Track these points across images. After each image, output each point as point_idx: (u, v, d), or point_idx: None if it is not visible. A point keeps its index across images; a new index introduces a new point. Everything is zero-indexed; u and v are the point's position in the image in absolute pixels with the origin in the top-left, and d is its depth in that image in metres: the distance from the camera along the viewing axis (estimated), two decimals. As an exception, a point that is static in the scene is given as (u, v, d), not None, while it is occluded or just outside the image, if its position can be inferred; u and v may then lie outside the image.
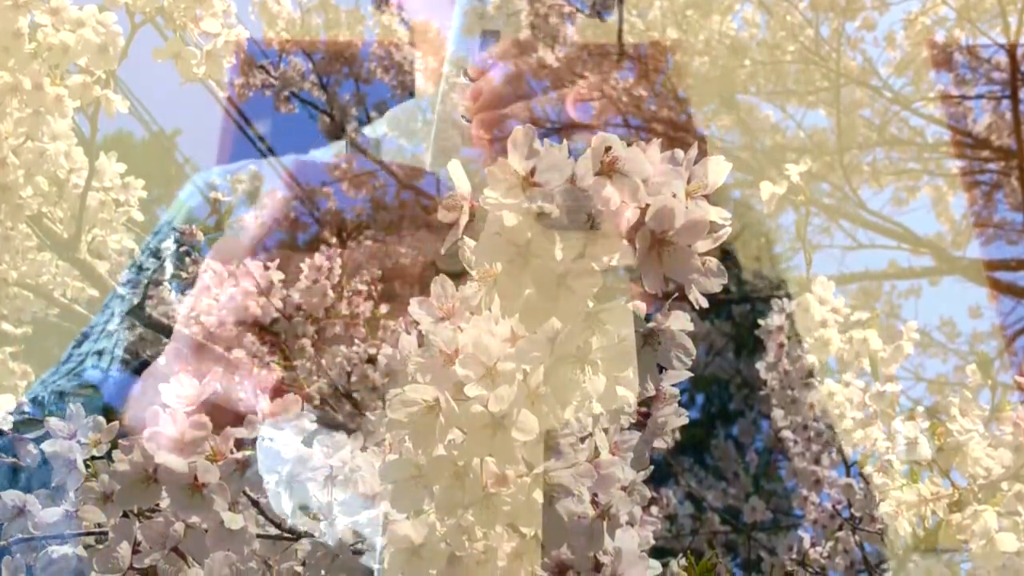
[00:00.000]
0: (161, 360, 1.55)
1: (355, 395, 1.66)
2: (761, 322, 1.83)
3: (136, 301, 1.58)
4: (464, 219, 0.65)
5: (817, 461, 1.83)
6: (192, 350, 1.58)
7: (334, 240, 1.84)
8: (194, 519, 0.78)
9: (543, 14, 1.98)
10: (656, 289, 0.61)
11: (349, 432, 0.89)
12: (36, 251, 1.63)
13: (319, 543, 0.81)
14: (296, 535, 0.83)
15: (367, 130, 2.12)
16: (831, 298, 1.74)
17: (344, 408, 1.65)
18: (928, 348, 2.81)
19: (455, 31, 2.03)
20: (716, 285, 0.63)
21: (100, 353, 1.53)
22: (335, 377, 1.67)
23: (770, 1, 2.84)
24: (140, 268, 1.62)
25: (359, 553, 0.81)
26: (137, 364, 1.56)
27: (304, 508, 0.84)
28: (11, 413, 1.03)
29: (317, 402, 1.62)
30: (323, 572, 0.82)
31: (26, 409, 1.06)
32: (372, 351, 1.71)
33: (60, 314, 1.69)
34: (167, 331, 1.61)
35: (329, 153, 2.20)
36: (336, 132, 2.47)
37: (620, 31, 2.14)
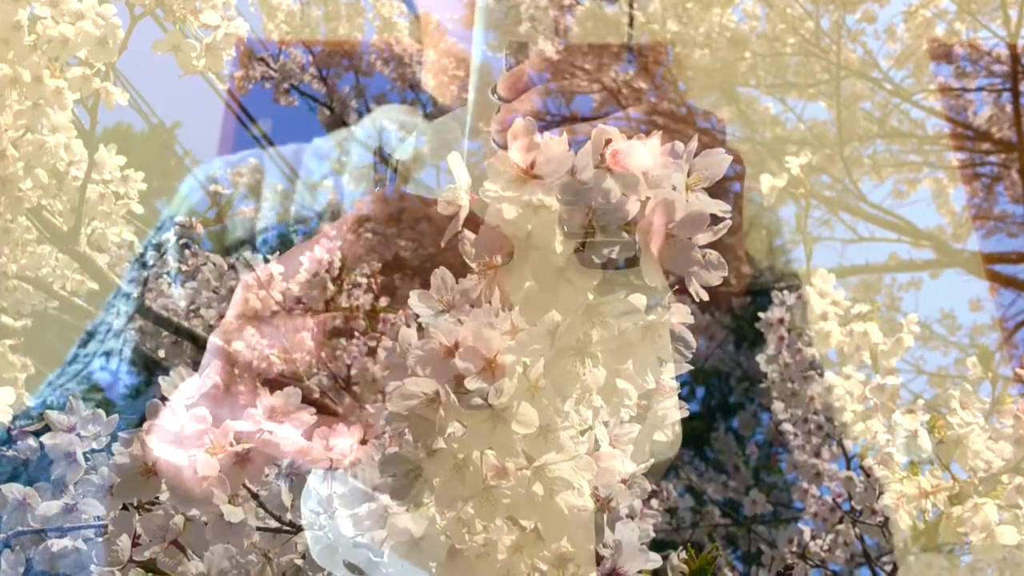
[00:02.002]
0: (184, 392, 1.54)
1: (355, 388, 1.66)
2: (761, 315, 1.83)
3: (135, 294, 1.58)
4: (464, 212, 0.64)
5: (817, 454, 1.83)
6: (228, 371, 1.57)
7: (334, 233, 1.84)
8: (194, 512, 0.78)
9: (543, 6, 1.98)
10: (656, 282, 0.61)
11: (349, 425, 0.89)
12: (36, 244, 1.63)
13: (319, 536, 0.81)
14: (296, 528, 0.83)
15: (398, 153, 2.11)
16: (831, 291, 1.74)
17: (344, 401, 1.65)
18: (929, 341, 2.81)
19: (478, 36, 2.03)
20: (716, 278, 0.63)
21: (108, 354, 1.53)
22: (335, 370, 1.67)
23: (770, -6, 2.84)
24: (143, 264, 1.62)
25: (359, 546, 0.81)
26: (140, 360, 1.56)
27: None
28: (18, 417, 1.03)
29: (317, 395, 1.62)
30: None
31: (33, 414, 1.06)
32: (372, 344, 1.71)
33: (60, 307, 1.69)
34: (166, 323, 1.61)
35: (331, 143, 2.19)
36: (336, 124, 2.47)
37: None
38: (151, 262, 1.63)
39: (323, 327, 1.70)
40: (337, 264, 1.76)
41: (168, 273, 1.67)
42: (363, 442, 0.88)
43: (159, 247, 1.67)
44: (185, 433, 0.77)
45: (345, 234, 1.86)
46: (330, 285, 1.74)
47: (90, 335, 1.57)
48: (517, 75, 1.56)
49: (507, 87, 1.54)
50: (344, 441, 0.87)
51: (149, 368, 1.63)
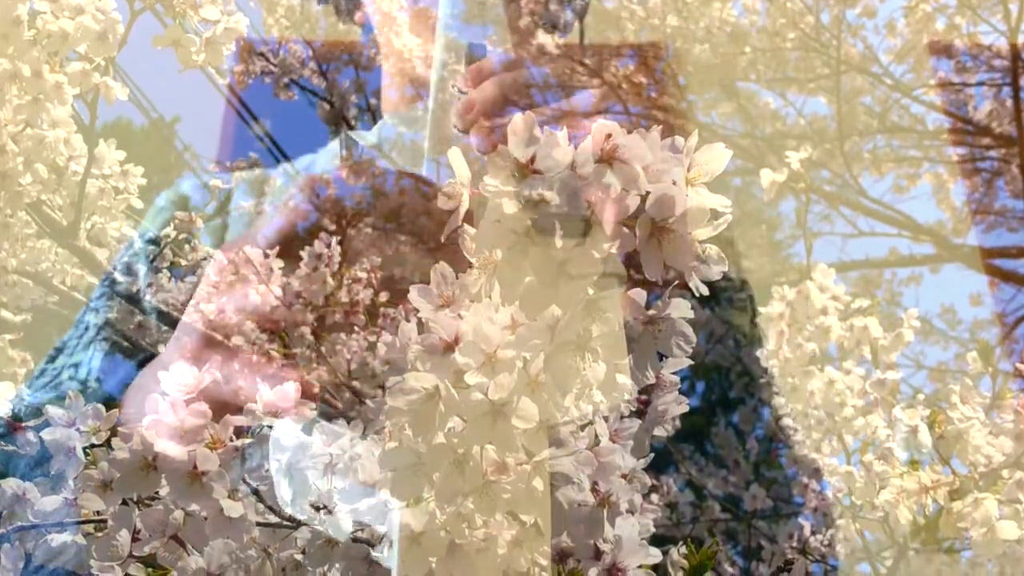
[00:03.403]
0: (164, 355, 1.55)
1: (355, 383, 1.66)
2: (762, 310, 1.83)
3: (134, 290, 1.58)
4: (464, 207, 0.64)
5: (818, 449, 1.83)
6: (197, 342, 1.58)
7: (333, 227, 1.84)
8: (193, 507, 0.78)
9: (543, 0, 1.98)
10: (656, 277, 0.61)
11: (349, 420, 0.89)
12: (35, 239, 1.63)
13: (319, 531, 0.81)
14: (296, 523, 0.83)
15: (363, 137, 2.12)
16: (831, 286, 1.74)
17: (344, 396, 1.65)
18: (929, 336, 2.81)
19: (449, 17, 2.02)
20: (716, 273, 0.63)
21: (76, 366, 1.53)
22: (335, 365, 1.67)
23: (770, -12, 2.84)
24: (113, 284, 1.62)
25: (359, 541, 0.81)
26: (134, 351, 1.56)
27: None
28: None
29: (316, 390, 1.62)
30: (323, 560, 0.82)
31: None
32: (372, 339, 1.70)
33: (60, 302, 1.69)
34: (166, 319, 1.61)
35: (329, 155, 2.19)
36: (336, 119, 2.47)
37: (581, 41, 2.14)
38: (121, 280, 1.63)
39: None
40: (337, 259, 1.76)
41: (166, 268, 1.66)
42: (363, 437, 0.88)
43: (129, 267, 1.66)
44: (185, 427, 0.77)
45: (309, 196, 1.86)
46: (329, 280, 1.74)
47: (58, 351, 1.57)
48: (478, 68, 1.57)
49: (468, 79, 1.55)
50: (344, 437, 0.87)
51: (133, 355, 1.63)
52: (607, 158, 0.60)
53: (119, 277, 1.60)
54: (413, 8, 2.21)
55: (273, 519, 0.83)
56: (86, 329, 1.57)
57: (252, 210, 1.87)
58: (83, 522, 0.83)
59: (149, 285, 1.60)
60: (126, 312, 1.59)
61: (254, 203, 1.89)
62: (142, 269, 1.64)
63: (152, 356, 1.57)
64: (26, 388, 1.54)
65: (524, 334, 0.64)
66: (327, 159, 1.98)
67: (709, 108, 2.88)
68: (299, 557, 0.83)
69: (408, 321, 0.73)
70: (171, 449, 0.75)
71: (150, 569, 0.80)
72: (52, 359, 1.56)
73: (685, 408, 0.77)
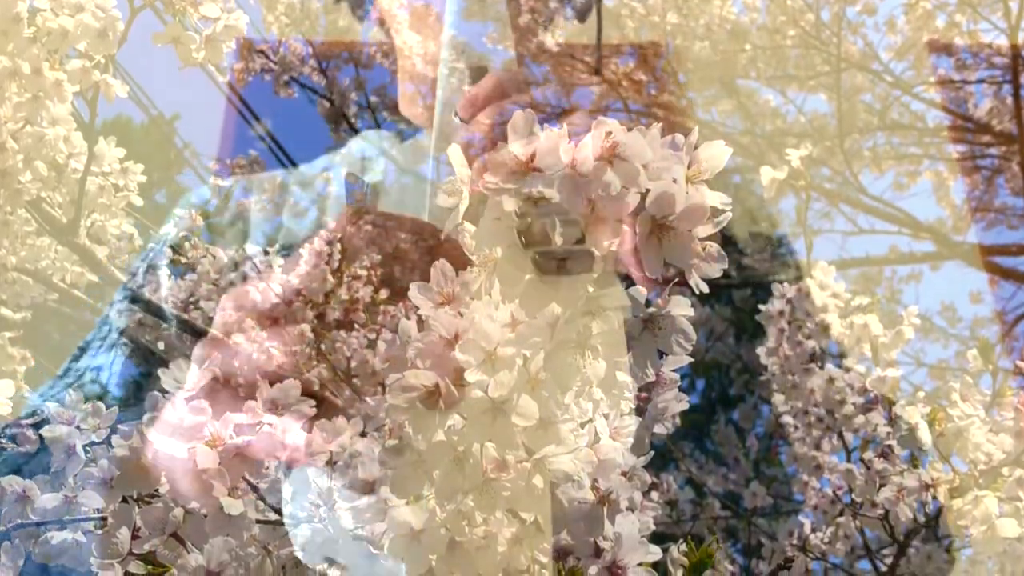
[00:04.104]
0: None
1: (355, 380, 1.66)
2: (762, 307, 1.83)
3: (154, 296, 1.58)
4: (464, 204, 0.64)
5: (818, 446, 1.82)
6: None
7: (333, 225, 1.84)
8: (193, 505, 0.78)
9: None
10: (656, 274, 0.61)
11: (349, 418, 0.89)
12: (35, 236, 1.62)
13: (318, 528, 0.81)
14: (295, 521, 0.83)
15: (369, 176, 2.11)
16: (832, 283, 1.74)
17: (344, 393, 1.65)
18: (929, 333, 2.81)
19: (453, 15, 2.02)
20: (716, 270, 0.63)
21: (99, 368, 1.53)
22: (335, 362, 1.67)
23: (771, -15, 2.84)
24: (135, 294, 1.62)
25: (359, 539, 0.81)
26: (151, 356, 1.56)
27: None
28: (8, 425, 1.03)
29: (317, 387, 1.62)
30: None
31: (22, 424, 1.06)
32: (372, 336, 1.71)
33: (59, 299, 1.69)
34: (186, 326, 1.61)
35: (315, 170, 2.19)
36: (336, 116, 2.47)
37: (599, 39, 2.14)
38: (143, 281, 1.63)
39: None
40: (337, 256, 1.76)
41: (166, 265, 1.66)
42: (363, 434, 0.88)
43: (149, 271, 1.66)
44: (185, 425, 0.77)
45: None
46: (330, 277, 1.74)
47: (82, 350, 1.58)
48: (471, 97, 1.58)
49: (463, 108, 1.56)
50: (344, 434, 0.87)
51: (148, 361, 1.63)
52: (607, 156, 0.60)
53: (139, 281, 1.61)
54: (413, 6, 2.21)
55: (273, 517, 0.83)
56: (109, 330, 1.58)
57: (254, 208, 1.87)
58: (83, 520, 0.83)
59: (149, 283, 1.60)
60: (146, 318, 1.59)
61: (255, 199, 1.89)
62: (163, 274, 1.64)
63: (165, 362, 1.57)
64: (48, 387, 1.54)
65: (524, 332, 0.64)
66: (345, 162, 1.98)
67: (709, 105, 2.88)
68: (299, 555, 0.83)
69: (408, 319, 0.72)
70: (171, 447, 0.75)
71: (150, 567, 0.80)
72: (77, 358, 1.56)
73: (685, 406, 0.77)
